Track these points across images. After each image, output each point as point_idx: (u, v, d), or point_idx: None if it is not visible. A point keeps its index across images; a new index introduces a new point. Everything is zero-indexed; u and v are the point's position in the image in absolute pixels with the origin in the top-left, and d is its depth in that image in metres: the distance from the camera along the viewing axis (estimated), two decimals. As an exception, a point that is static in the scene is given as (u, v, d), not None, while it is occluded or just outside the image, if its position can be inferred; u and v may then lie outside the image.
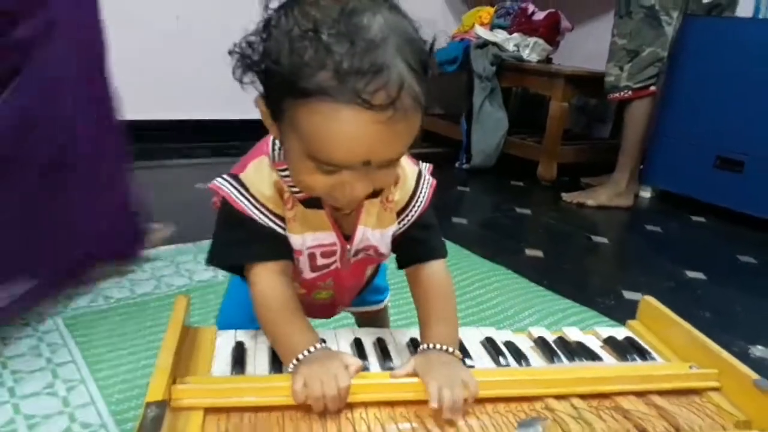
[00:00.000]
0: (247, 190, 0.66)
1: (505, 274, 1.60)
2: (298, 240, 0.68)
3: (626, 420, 0.64)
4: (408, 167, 0.72)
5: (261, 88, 0.60)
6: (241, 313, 0.76)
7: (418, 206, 0.73)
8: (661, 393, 0.69)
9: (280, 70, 0.55)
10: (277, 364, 0.67)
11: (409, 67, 0.54)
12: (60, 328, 1.16)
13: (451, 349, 0.66)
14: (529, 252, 1.84)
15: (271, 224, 0.66)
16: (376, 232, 0.71)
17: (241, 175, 0.67)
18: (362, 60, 0.52)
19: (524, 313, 1.39)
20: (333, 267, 0.73)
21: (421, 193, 0.73)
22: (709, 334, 0.76)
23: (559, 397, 0.66)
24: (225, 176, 0.67)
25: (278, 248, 0.67)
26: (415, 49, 0.55)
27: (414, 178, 0.73)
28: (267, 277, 0.66)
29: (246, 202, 0.66)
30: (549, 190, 2.57)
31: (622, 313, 1.36)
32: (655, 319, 0.83)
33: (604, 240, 2.05)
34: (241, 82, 0.60)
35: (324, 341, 0.65)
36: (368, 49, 0.52)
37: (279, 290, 0.67)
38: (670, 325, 0.81)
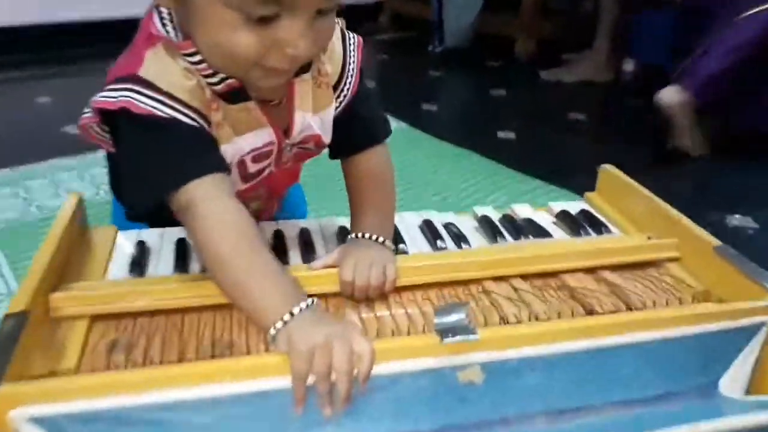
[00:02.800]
0: (154, 87, 0.49)
1: (472, 158, 1.51)
2: (228, 150, 0.54)
3: (572, 299, 0.58)
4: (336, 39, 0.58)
5: None
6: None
7: (353, 73, 0.61)
8: (614, 268, 0.62)
9: None
10: (181, 261, 0.59)
11: None
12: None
13: (381, 239, 0.58)
14: (501, 135, 1.74)
15: (198, 121, 0.50)
16: (315, 118, 0.58)
17: (140, 72, 0.49)
18: None
19: (492, 196, 1.32)
20: (266, 172, 0.60)
21: (351, 57, 0.60)
22: (686, 208, 0.68)
23: (497, 278, 0.59)
24: (111, 87, 0.50)
25: (214, 155, 0.51)
26: None
27: (340, 41, 0.59)
28: (211, 200, 0.48)
29: (157, 103, 0.48)
30: (527, 69, 2.42)
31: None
32: (614, 188, 0.76)
33: (582, 117, 1.94)
34: None
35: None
36: None
37: (233, 217, 0.48)
38: (629, 194, 0.73)
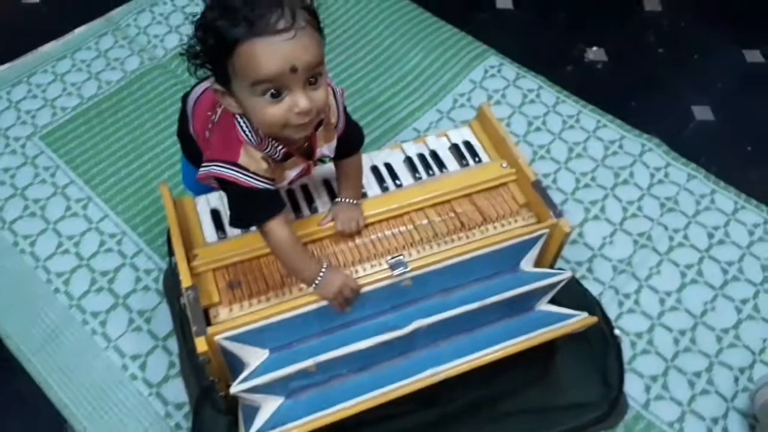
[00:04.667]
0: (248, 170, 0.86)
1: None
2: (284, 183, 0.96)
3: (456, 218, 1.09)
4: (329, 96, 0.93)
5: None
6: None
7: (342, 113, 0.97)
8: (480, 191, 1.13)
9: (211, 44, 0.78)
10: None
11: None
12: (44, 150, 1.45)
13: (355, 202, 1.06)
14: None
15: (271, 188, 0.90)
16: (326, 146, 0.98)
17: (240, 162, 0.86)
18: (261, 6, 0.75)
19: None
20: (301, 176, 1.01)
21: (340, 106, 0.97)
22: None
23: (417, 210, 1.10)
24: (220, 164, 0.86)
25: (280, 204, 0.92)
26: None
27: (332, 98, 0.94)
28: (278, 230, 0.91)
29: (253, 181, 0.87)
30: None
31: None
32: (486, 124, 1.22)
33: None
34: (196, 76, 0.83)
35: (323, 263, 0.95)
36: None
37: (289, 237, 0.92)
38: (494, 131, 1.19)
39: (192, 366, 1.09)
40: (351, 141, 1.02)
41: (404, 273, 0.98)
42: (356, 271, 1.01)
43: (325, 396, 0.95)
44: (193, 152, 1.08)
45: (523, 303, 1.07)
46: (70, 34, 1.68)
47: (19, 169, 1.42)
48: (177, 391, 1.14)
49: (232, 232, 1.06)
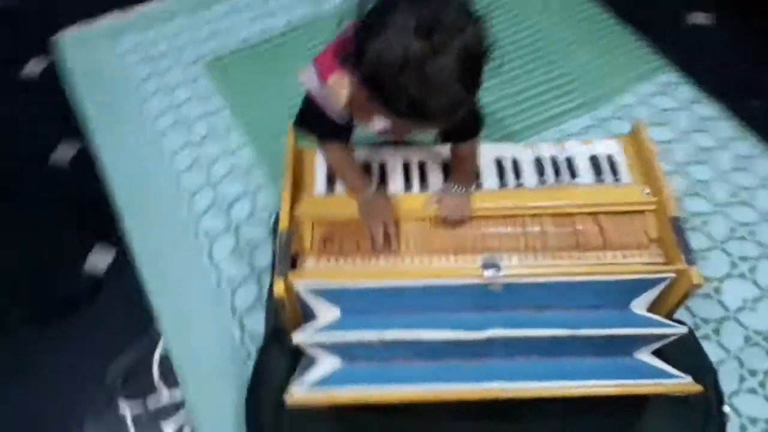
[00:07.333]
0: (327, 96, 0.91)
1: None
2: (370, 129, 0.96)
3: (572, 236, 1.00)
4: None
5: None
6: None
7: None
8: (611, 213, 1.02)
9: (378, 85, 0.74)
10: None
11: (464, 88, 0.73)
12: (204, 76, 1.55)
13: (465, 189, 1.01)
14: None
15: (339, 121, 0.94)
16: None
17: (329, 82, 0.89)
18: (432, 99, 0.72)
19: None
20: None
21: None
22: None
23: (533, 215, 1.02)
24: (315, 74, 0.91)
25: (342, 135, 0.99)
26: (474, 70, 0.74)
27: None
28: (334, 151, 1.02)
29: (326, 105, 0.92)
30: None
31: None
32: (638, 142, 1.09)
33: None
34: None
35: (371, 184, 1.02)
36: (438, 91, 0.72)
37: (342, 158, 1.03)
38: (645, 152, 1.07)
39: (273, 305, 1.12)
40: (466, 126, 0.98)
41: (495, 278, 0.92)
42: (446, 259, 0.97)
43: (383, 372, 0.93)
44: None
45: (622, 346, 0.96)
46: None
47: (179, 87, 1.53)
48: (257, 322, 1.18)
49: (340, 188, 1.06)
